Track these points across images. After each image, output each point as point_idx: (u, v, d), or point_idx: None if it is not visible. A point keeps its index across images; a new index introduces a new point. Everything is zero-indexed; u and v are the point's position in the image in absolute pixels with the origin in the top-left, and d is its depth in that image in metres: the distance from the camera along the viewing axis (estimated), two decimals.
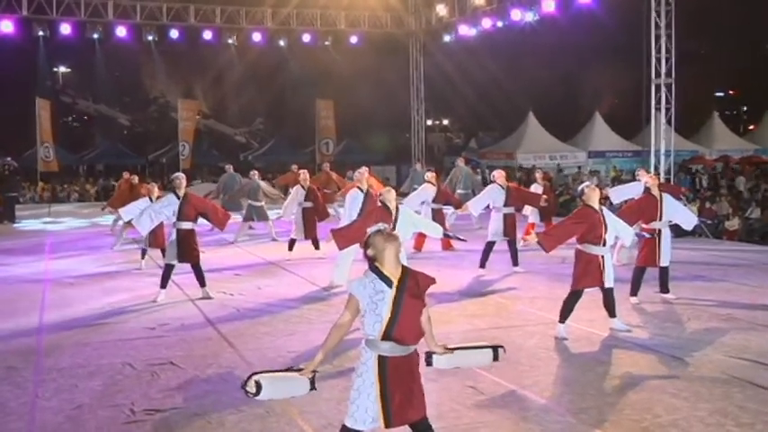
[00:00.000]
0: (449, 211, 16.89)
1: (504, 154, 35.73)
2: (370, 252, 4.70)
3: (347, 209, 12.35)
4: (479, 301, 10.87)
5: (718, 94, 54.23)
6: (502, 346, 5.18)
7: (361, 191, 12.41)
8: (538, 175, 17.67)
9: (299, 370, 4.77)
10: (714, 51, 44.67)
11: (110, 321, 9.92)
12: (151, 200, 12.87)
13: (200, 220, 11.37)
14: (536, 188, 16.56)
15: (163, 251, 12.29)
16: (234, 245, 17.05)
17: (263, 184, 18.77)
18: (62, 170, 36.41)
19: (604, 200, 12.63)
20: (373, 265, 4.68)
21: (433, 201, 15.54)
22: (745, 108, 56.96)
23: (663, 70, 19.95)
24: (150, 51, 36.23)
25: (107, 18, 27.28)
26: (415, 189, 17.36)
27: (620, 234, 9.01)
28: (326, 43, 30.98)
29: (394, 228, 9.62)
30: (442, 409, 6.27)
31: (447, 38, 30.54)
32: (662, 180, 17.18)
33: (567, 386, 7.13)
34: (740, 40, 44.63)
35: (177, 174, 11.54)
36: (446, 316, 9.55)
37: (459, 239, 11.49)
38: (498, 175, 13.50)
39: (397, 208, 10.14)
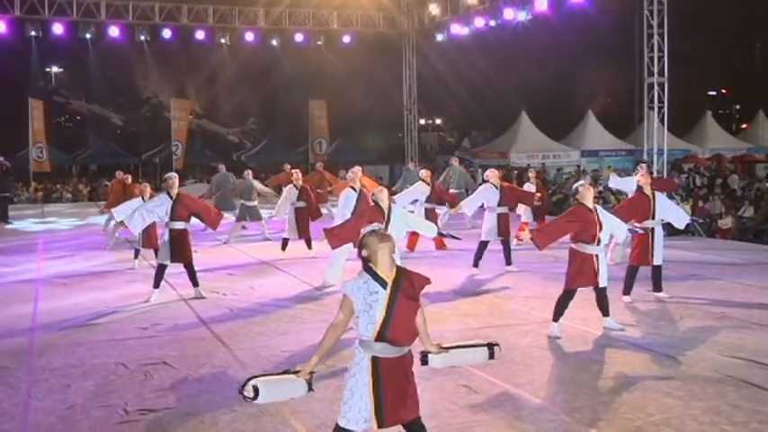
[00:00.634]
0: (442, 210, 16.87)
1: (497, 153, 35.74)
2: (364, 253, 4.70)
3: (340, 208, 12.31)
4: (473, 301, 10.86)
5: (711, 93, 54.36)
6: (497, 344, 5.19)
7: (355, 190, 12.37)
8: (531, 174, 17.65)
9: (296, 372, 4.76)
10: (707, 51, 44.75)
11: (102, 321, 9.89)
12: (144, 200, 12.82)
13: (193, 220, 11.35)
14: (528, 187, 16.53)
15: (156, 251, 12.26)
16: (227, 245, 17.03)
17: (255, 182, 18.73)
18: (55, 170, 36.44)
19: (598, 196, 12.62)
20: (367, 266, 4.68)
21: (427, 200, 15.53)
22: (737, 107, 57.11)
23: (656, 69, 20.01)
24: (143, 51, 36.19)
25: (100, 18, 27.27)
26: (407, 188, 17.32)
27: (614, 231, 9.03)
28: (319, 43, 30.98)
29: (387, 227, 9.64)
30: (435, 408, 6.27)
31: (440, 37, 30.52)
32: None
33: (561, 385, 7.13)
34: (733, 39, 44.79)
35: (170, 173, 11.51)
36: (439, 315, 9.53)
37: (454, 237, 11.47)
38: (492, 174, 13.35)
39: (389, 207, 10.14)
